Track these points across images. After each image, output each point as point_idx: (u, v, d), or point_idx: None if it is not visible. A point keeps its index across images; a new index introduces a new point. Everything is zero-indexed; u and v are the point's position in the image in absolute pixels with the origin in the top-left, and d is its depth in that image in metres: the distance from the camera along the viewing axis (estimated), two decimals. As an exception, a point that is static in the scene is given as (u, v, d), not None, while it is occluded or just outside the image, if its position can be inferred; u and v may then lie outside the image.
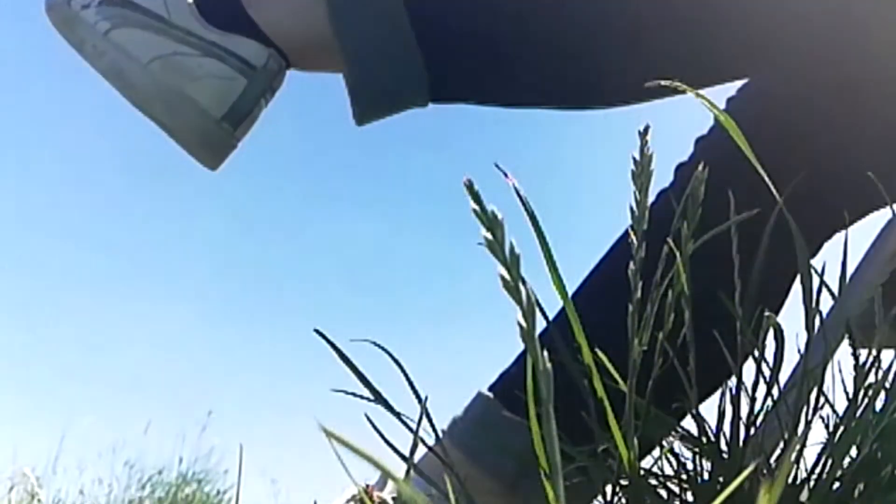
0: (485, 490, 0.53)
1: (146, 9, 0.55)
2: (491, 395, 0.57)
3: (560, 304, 0.49)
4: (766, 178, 0.39)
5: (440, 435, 0.49)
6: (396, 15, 0.49)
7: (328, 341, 0.45)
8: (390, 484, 0.49)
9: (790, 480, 0.37)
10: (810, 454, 0.37)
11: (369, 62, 0.50)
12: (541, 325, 0.47)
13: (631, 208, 0.31)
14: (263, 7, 0.54)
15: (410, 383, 0.43)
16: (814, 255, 0.53)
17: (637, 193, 0.30)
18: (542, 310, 0.48)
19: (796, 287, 0.41)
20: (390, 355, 0.47)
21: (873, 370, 0.37)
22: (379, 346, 0.44)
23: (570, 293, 0.42)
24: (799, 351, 0.39)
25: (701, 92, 0.34)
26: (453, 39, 0.52)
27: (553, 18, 0.53)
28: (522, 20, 0.51)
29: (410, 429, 0.41)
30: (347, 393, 0.47)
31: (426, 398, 0.51)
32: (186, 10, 0.55)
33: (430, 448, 0.41)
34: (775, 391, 0.38)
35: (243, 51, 0.53)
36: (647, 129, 0.30)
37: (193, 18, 0.55)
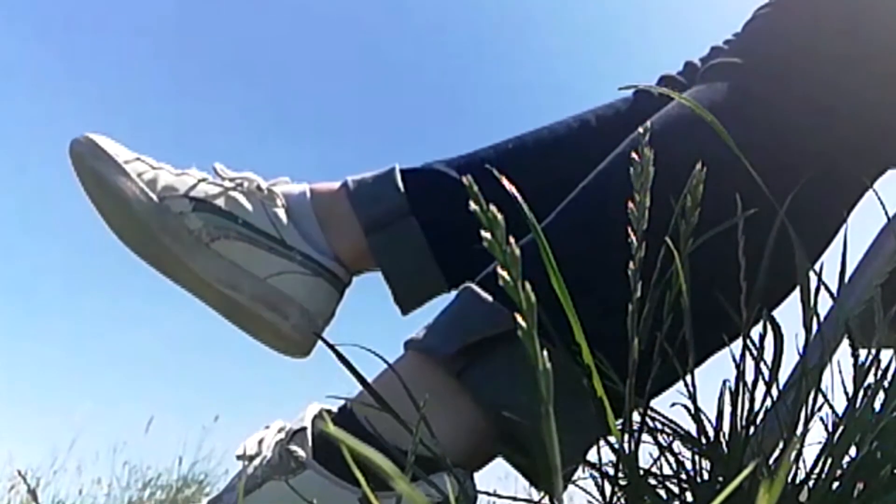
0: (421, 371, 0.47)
1: (250, 222, 0.64)
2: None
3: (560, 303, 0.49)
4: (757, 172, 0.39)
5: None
6: (421, 252, 0.67)
7: (328, 345, 0.45)
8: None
9: (789, 480, 0.37)
10: (809, 454, 0.37)
11: (404, 284, 0.68)
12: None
13: (630, 209, 0.31)
14: (337, 239, 0.67)
15: (408, 388, 0.43)
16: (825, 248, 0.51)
17: (637, 193, 0.30)
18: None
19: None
20: (388, 363, 0.47)
21: (872, 370, 0.37)
22: (376, 353, 0.44)
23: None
24: (798, 351, 0.39)
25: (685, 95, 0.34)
26: (464, 254, 0.64)
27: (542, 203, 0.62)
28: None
29: (409, 430, 0.41)
30: (347, 400, 0.47)
31: (425, 401, 0.51)
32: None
33: (429, 448, 0.41)
34: (774, 391, 0.38)
35: (339, 272, 0.66)
36: (646, 129, 0.30)
37: (302, 239, 0.65)
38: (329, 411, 0.49)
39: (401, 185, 0.68)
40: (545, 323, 0.36)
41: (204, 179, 0.66)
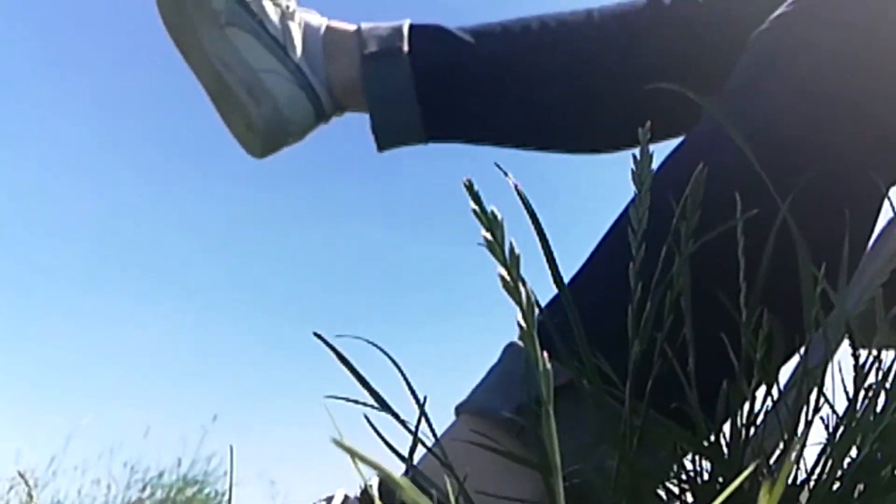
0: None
1: (265, 24, 0.73)
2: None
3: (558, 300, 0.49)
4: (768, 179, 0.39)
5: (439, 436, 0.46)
6: (406, 87, 0.73)
7: (326, 343, 0.44)
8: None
9: (790, 481, 0.37)
10: (810, 454, 0.37)
11: (383, 115, 0.74)
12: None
13: (630, 208, 0.31)
14: (335, 68, 0.75)
15: (408, 385, 0.43)
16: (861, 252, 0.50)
17: (637, 193, 0.30)
18: (541, 310, 0.48)
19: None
20: (389, 356, 0.47)
21: (873, 370, 0.37)
22: (377, 346, 0.44)
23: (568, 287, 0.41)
24: (799, 351, 0.39)
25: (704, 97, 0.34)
26: (445, 103, 0.75)
27: (532, 76, 0.74)
28: (501, 84, 0.74)
29: (410, 430, 0.41)
30: (347, 399, 0.47)
31: (425, 399, 0.51)
32: (300, 47, 0.74)
33: (429, 449, 0.41)
34: (775, 391, 0.38)
35: (323, 97, 0.74)
36: (647, 129, 0.30)
37: (303, 56, 0.73)
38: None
39: (406, 31, 0.75)
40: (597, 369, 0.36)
41: None
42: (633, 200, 0.52)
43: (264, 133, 0.73)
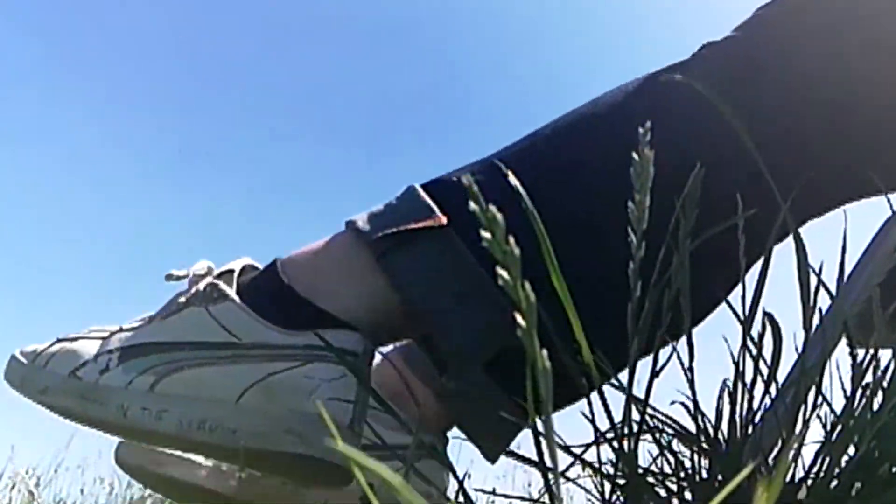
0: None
1: (200, 342, 0.47)
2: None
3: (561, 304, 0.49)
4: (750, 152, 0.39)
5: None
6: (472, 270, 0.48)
7: (328, 343, 0.45)
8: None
9: (788, 479, 0.37)
10: (808, 453, 0.37)
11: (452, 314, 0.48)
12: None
13: (630, 208, 0.31)
14: (329, 296, 0.48)
15: (407, 384, 0.43)
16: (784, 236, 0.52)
17: (637, 193, 0.30)
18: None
19: (792, 284, 0.41)
20: (385, 356, 0.47)
21: (871, 369, 0.37)
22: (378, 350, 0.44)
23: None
24: (797, 350, 0.39)
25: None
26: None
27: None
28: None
29: (410, 430, 0.41)
30: (345, 400, 0.47)
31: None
32: (255, 324, 0.47)
33: (432, 451, 0.41)
34: (773, 389, 0.38)
35: (339, 341, 0.46)
36: (647, 129, 0.30)
37: (268, 329, 0.47)
38: (255, 266, 0.53)
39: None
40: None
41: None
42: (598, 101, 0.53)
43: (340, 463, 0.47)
